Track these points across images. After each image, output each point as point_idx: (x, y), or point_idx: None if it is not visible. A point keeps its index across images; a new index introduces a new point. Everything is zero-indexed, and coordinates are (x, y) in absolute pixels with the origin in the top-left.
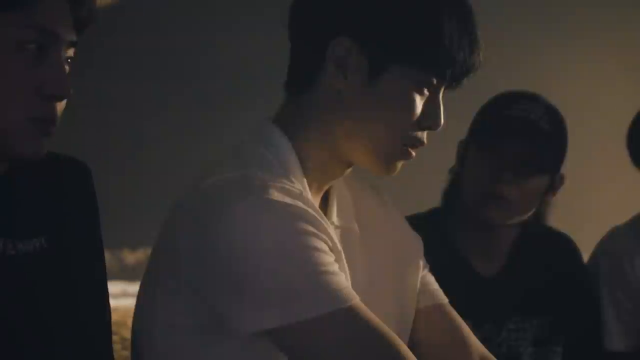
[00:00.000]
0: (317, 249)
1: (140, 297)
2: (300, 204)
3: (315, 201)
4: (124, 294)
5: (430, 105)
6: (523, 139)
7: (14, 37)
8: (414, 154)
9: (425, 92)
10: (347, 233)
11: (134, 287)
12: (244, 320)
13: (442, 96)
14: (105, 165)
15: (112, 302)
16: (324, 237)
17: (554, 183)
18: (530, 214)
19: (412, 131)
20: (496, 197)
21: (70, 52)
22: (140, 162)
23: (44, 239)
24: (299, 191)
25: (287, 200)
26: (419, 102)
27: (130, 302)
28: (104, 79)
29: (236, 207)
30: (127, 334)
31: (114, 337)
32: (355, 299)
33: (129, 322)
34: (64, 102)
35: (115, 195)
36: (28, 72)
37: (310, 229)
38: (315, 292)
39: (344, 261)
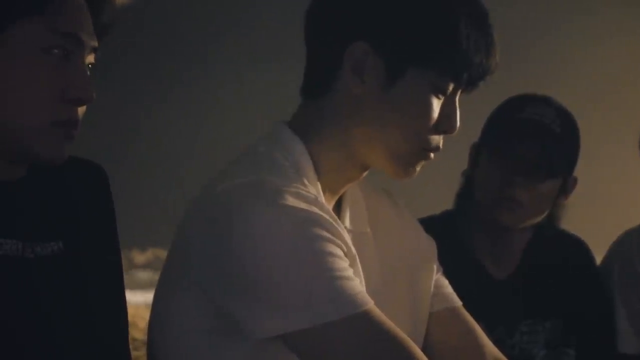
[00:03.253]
0: (331, 254)
1: (156, 298)
2: (315, 209)
3: (329, 205)
4: (133, 295)
5: (447, 109)
6: (535, 142)
7: (40, 42)
8: (432, 155)
9: (442, 95)
10: (360, 237)
11: (143, 288)
12: (258, 325)
13: (458, 100)
14: (114, 166)
15: None
16: (339, 242)
17: (567, 186)
18: (542, 216)
19: (428, 135)
20: (508, 200)
21: (92, 57)
22: (149, 163)
23: (62, 243)
24: (313, 196)
25: (302, 205)
26: (436, 106)
27: (139, 303)
28: (112, 81)
29: (250, 212)
30: (137, 334)
31: None
32: (370, 304)
33: (139, 322)
34: (85, 106)
35: (124, 196)
36: (53, 77)
37: (325, 234)
38: (330, 297)
39: (359, 266)
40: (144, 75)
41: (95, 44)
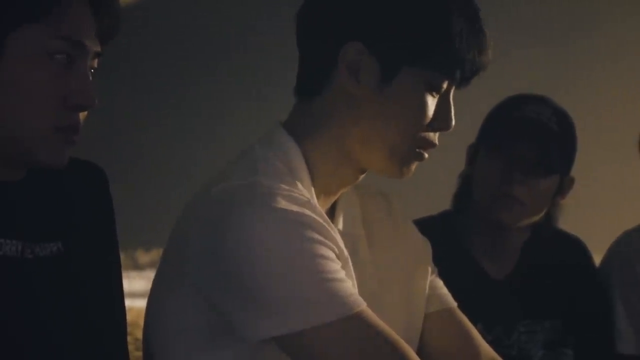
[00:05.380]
0: (323, 257)
1: (151, 299)
2: (307, 211)
3: (324, 207)
4: (137, 295)
5: (442, 106)
6: (533, 140)
7: (44, 48)
8: (426, 155)
9: (436, 93)
10: (354, 239)
11: (148, 288)
12: (252, 327)
13: (452, 97)
14: (120, 166)
15: (125, 303)
16: (331, 244)
17: (564, 185)
18: (540, 216)
19: (424, 133)
20: (507, 198)
21: (94, 62)
22: (155, 164)
23: (61, 243)
24: (306, 198)
25: (294, 208)
26: (431, 104)
27: (144, 303)
28: (117, 82)
29: (242, 215)
30: (141, 334)
31: (127, 338)
32: (363, 306)
33: (142, 322)
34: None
35: (129, 197)
36: (55, 83)
37: (317, 236)
38: (323, 300)
39: (351, 268)
40: (150, 76)
41: (99, 49)
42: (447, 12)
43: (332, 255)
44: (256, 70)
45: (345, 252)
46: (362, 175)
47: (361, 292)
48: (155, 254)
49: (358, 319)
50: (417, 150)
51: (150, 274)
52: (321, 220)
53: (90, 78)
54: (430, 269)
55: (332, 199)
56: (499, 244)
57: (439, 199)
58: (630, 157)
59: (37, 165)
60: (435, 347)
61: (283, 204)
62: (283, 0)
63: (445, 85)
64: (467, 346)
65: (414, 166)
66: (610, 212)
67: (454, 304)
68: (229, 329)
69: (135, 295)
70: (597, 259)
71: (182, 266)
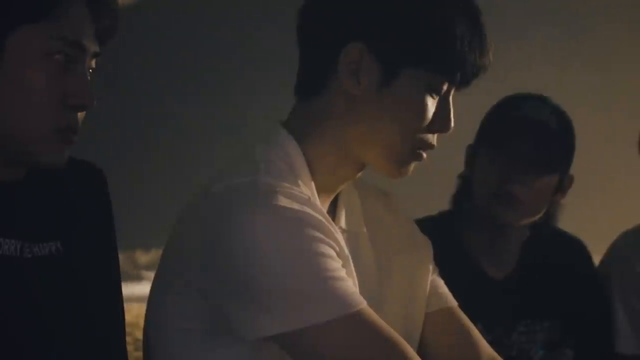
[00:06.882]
0: (324, 255)
1: (151, 299)
2: (308, 209)
3: (324, 205)
4: (137, 295)
5: (441, 108)
6: (532, 138)
7: (42, 48)
8: (425, 155)
9: (436, 95)
10: (356, 237)
11: (147, 288)
12: (252, 326)
13: (452, 98)
14: (119, 167)
15: (125, 303)
16: (332, 242)
17: (563, 184)
18: (540, 215)
19: (423, 134)
20: (506, 197)
21: (93, 62)
22: (154, 164)
23: (60, 243)
24: (306, 196)
25: (295, 206)
26: (431, 105)
27: (143, 303)
28: (115, 84)
29: (243, 213)
30: (140, 334)
31: (127, 338)
32: (363, 304)
33: (142, 322)
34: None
35: (128, 197)
36: (54, 83)
37: (318, 234)
38: (323, 298)
39: (352, 266)
40: (149, 76)
41: (97, 49)
42: (449, 14)
43: (332, 253)
44: (257, 70)
45: (346, 251)
46: (361, 172)
47: (362, 291)
48: (154, 254)
49: (358, 317)
50: (416, 150)
51: (149, 275)
52: (322, 219)
53: (89, 78)
54: (431, 268)
55: (332, 197)
56: (498, 244)
57: (439, 199)
58: (630, 157)
59: (37, 165)
60: (435, 347)
61: (284, 202)
62: (284, 0)
63: (445, 87)
64: (467, 346)
65: (412, 166)
66: (610, 212)
67: (454, 303)
68: (229, 328)
69: (134, 295)
70: (597, 259)
71: (182, 266)
